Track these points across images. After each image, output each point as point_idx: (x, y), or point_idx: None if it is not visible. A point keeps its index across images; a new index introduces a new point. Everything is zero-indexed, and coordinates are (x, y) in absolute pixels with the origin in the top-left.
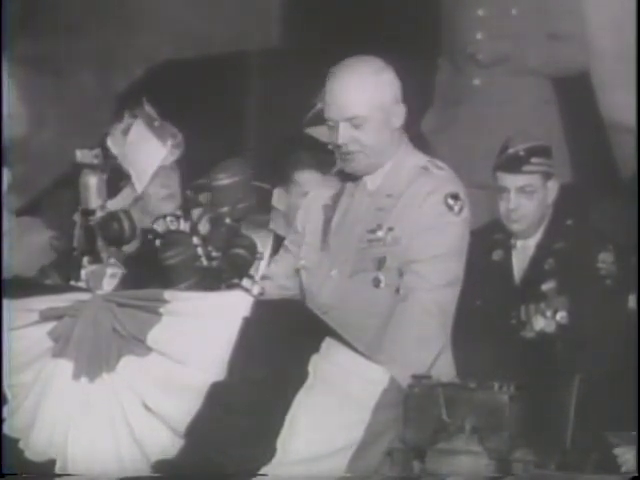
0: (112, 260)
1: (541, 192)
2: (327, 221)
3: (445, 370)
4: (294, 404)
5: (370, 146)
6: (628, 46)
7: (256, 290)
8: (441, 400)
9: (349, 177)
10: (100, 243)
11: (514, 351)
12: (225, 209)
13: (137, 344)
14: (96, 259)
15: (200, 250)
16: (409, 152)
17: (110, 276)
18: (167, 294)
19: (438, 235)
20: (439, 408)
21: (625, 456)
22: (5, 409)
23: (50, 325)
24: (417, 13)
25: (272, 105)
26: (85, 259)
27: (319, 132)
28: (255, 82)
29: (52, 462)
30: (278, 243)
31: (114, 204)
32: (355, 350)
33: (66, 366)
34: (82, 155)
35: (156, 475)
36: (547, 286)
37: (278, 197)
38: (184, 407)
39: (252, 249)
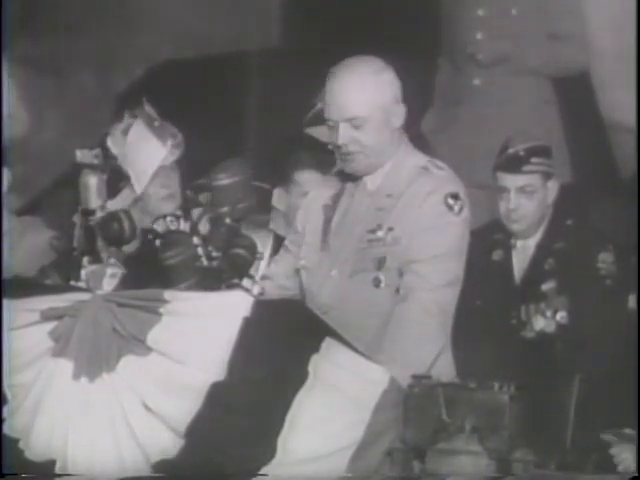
0: (112, 260)
1: (541, 192)
2: (327, 221)
3: (445, 370)
4: (294, 404)
5: (370, 146)
6: (628, 46)
7: (256, 290)
8: (441, 400)
9: (349, 177)
10: (100, 243)
11: (514, 351)
12: (225, 209)
13: (137, 344)
14: (96, 259)
15: (200, 250)
16: (409, 152)
17: (110, 276)
18: (167, 294)
19: (438, 235)
20: (439, 408)
21: (622, 455)
22: (5, 409)
23: (50, 325)
24: (417, 13)
25: (272, 105)
26: (85, 259)
27: (319, 132)
28: (255, 82)
29: (52, 462)
30: (278, 243)
31: (114, 205)
32: (355, 350)
33: (66, 366)
34: (82, 155)
35: (156, 475)
36: (547, 286)
37: (278, 197)
38: (184, 407)
39: (252, 249)
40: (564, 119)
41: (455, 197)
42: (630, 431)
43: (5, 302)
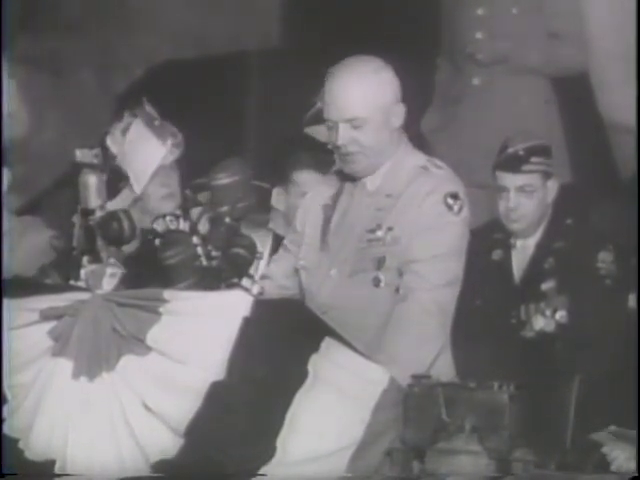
0: (112, 260)
1: (541, 191)
2: (326, 221)
3: (445, 370)
4: (294, 404)
5: (370, 147)
6: (628, 46)
7: (256, 290)
8: (441, 400)
9: (348, 177)
10: (100, 243)
11: (514, 351)
12: (225, 208)
13: (137, 343)
14: (96, 259)
15: (200, 249)
16: (408, 152)
17: (110, 276)
18: (167, 293)
19: (437, 235)
20: (439, 408)
21: (613, 453)
22: (5, 409)
23: (50, 324)
24: (417, 13)
25: (272, 105)
26: (85, 259)
27: (318, 131)
28: (255, 82)
29: (52, 462)
30: (277, 243)
31: (114, 205)
32: (355, 350)
33: (66, 365)
34: (82, 155)
35: (156, 475)
36: (547, 285)
37: (277, 197)
38: (184, 407)
39: (252, 248)
40: (564, 119)
41: (454, 197)
42: (617, 429)
43: (5, 302)
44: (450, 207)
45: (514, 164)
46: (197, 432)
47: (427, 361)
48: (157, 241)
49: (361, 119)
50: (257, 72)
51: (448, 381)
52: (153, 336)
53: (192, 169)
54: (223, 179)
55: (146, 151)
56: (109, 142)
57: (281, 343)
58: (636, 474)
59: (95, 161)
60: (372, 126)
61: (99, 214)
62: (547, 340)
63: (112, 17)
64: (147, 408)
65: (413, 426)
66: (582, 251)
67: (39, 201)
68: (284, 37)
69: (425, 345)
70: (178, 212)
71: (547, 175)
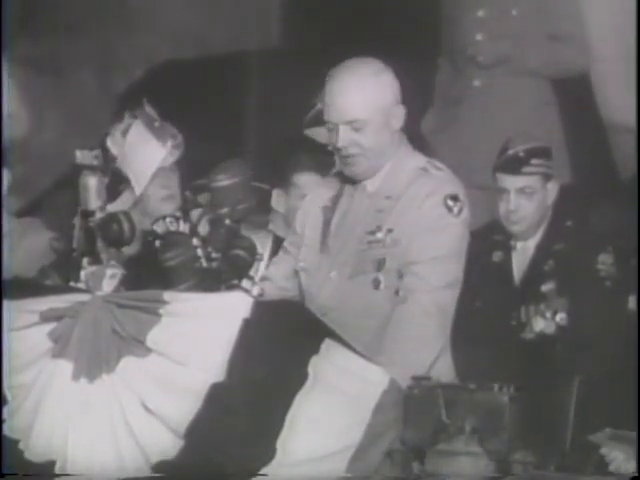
0: (112, 261)
1: (541, 193)
2: (326, 223)
3: (445, 371)
4: (294, 405)
5: (370, 148)
6: (628, 47)
7: (256, 291)
8: (441, 401)
9: (348, 179)
10: (100, 244)
11: (514, 352)
12: (225, 210)
13: (137, 345)
14: (96, 260)
15: (200, 251)
16: (408, 153)
17: (110, 277)
18: (167, 295)
19: (437, 236)
20: (439, 409)
21: (612, 454)
22: (5, 410)
23: (50, 326)
24: (417, 13)
25: (272, 106)
26: (85, 260)
27: (318, 133)
28: (255, 82)
29: (52, 463)
30: (277, 244)
31: (114, 208)
32: (355, 351)
33: (66, 367)
34: (82, 156)
35: (156, 475)
36: (547, 287)
37: (277, 198)
38: (184, 408)
39: (252, 250)
40: (564, 120)
41: (454, 198)
42: (614, 431)
43: (5, 303)
44: (450, 209)
45: (514, 166)
46: (197, 433)
47: (427, 362)
48: (157, 243)
49: (361, 121)
50: (257, 72)
51: (448, 382)
52: (153, 337)
53: (192, 170)
54: (223, 181)
55: (146, 152)
56: (109, 143)
57: (281, 345)
58: (636, 475)
59: (95, 162)
60: (372, 128)
61: (99, 215)
62: (547, 342)
63: (112, 17)
64: (147, 409)
65: (413, 427)
66: (582, 253)
67: (39, 202)
68: (284, 37)
69: (425, 347)
70: (178, 214)
71: (547, 177)
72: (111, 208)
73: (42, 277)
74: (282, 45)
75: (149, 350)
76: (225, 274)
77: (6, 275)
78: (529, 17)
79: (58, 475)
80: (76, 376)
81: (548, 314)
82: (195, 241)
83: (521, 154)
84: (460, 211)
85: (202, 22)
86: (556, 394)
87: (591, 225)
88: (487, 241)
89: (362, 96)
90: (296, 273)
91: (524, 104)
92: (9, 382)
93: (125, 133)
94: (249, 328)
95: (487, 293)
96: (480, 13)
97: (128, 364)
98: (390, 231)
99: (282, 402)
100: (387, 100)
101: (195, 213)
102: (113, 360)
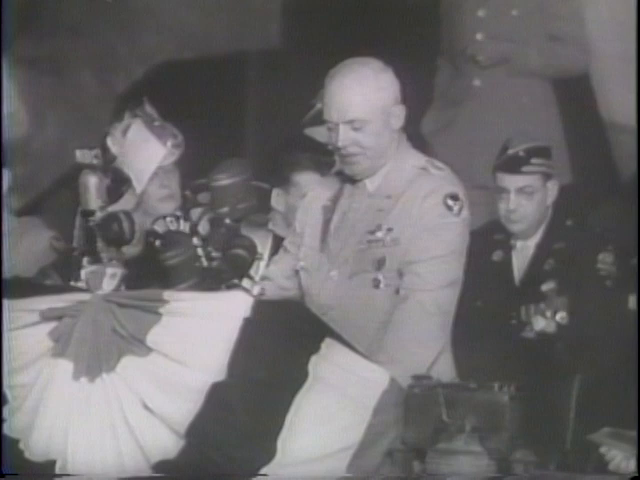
0: (112, 261)
1: (541, 193)
2: (326, 222)
3: (445, 370)
4: (294, 404)
5: (370, 148)
6: (628, 47)
7: (256, 290)
8: (441, 400)
9: (348, 178)
10: (100, 244)
11: (514, 352)
12: (225, 209)
13: (137, 344)
14: (96, 259)
15: (200, 250)
16: (408, 153)
17: (110, 276)
18: (167, 294)
19: (438, 236)
20: (439, 408)
21: (611, 453)
22: (5, 410)
23: (50, 325)
24: (417, 14)
25: (272, 105)
26: (85, 259)
27: (318, 132)
28: (255, 82)
29: (52, 463)
30: (277, 244)
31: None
32: (355, 351)
33: (66, 366)
34: (82, 155)
35: (156, 475)
36: (547, 286)
37: (277, 198)
38: (184, 407)
39: (252, 249)
40: (564, 120)
41: (454, 198)
42: (612, 430)
43: (5, 302)
44: (450, 208)
45: (514, 165)
46: (198, 433)
47: (427, 362)
48: (157, 242)
49: (361, 121)
50: (257, 72)
51: (449, 382)
52: (153, 337)
53: (192, 170)
54: (223, 180)
55: (146, 152)
56: (109, 143)
57: (281, 344)
58: (636, 474)
59: (95, 162)
60: (372, 128)
61: (99, 215)
62: (547, 341)
63: (112, 17)
64: (147, 409)
65: (414, 427)
66: (582, 252)
67: (39, 202)
68: (284, 37)
69: (425, 346)
70: (178, 213)
71: (547, 176)
72: (113, 209)
73: (42, 276)
74: (282, 45)
75: (149, 349)
76: (225, 273)
77: (6, 275)
78: (529, 17)
79: (58, 475)
80: (76, 376)
81: (548, 313)
82: (195, 240)
83: (521, 154)
84: (460, 210)
85: (202, 22)
86: (556, 393)
87: (591, 225)
88: (487, 241)
89: (362, 96)
90: (296, 272)
91: (524, 104)
92: (9, 382)
93: (125, 132)
94: (249, 327)
95: (487, 292)
96: (480, 13)
97: (128, 363)
98: (390, 230)
99: (282, 402)
100: (387, 100)
101: (195, 212)
102: (113, 359)
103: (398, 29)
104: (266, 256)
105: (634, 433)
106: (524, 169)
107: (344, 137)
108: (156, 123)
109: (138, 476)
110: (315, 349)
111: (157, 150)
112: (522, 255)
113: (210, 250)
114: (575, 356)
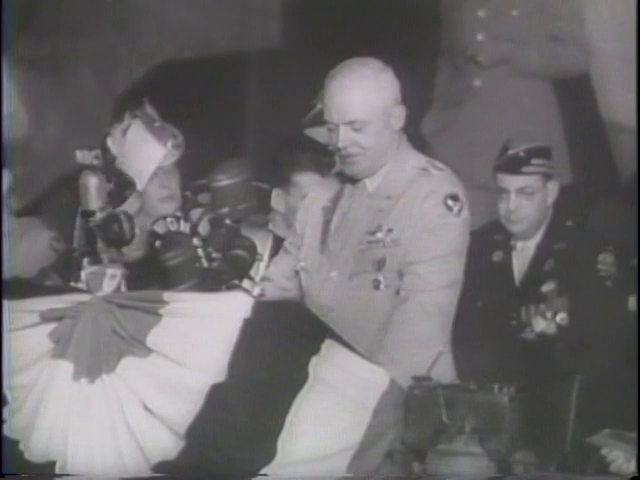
0: (112, 262)
1: (541, 193)
2: (326, 223)
3: (445, 371)
4: (294, 405)
5: (370, 148)
6: (628, 47)
7: (256, 291)
8: (441, 401)
9: (348, 178)
10: (100, 244)
11: (514, 352)
12: (225, 210)
13: (137, 345)
14: (96, 260)
15: (200, 251)
16: (408, 153)
17: (110, 277)
18: (167, 295)
19: (438, 236)
20: (439, 409)
21: (612, 454)
22: (5, 410)
23: (50, 326)
24: (417, 14)
25: (272, 105)
26: (85, 260)
27: (318, 133)
28: (255, 82)
29: (52, 463)
30: (278, 244)
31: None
32: (355, 351)
33: (66, 367)
34: (82, 156)
35: (156, 476)
36: (547, 287)
37: (277, 198)
38: (184, 408)
39: (252, 250)
40: (564, 120)
41: (454, 198)
42: (613, 431)
43: (5, 303)
44: (450, 208)
45: (514, 166)
46: (198, 433)
47: (427, 363)
48: (157, 243)
49: (362, 121)
50: (257, 72)
51: (448, 383)
52: (153, 338)
53: (192, 170)
54: (223, 180)
55: (146, 152)
56: (109, 143)
57: (282, 345)
58: (636, 475)
59: (95, 162)
60: (373, 128)
61: (99, 216)
62: (547, 342)
63: (112, 17)
64: (147, 410)
65: (413, 428)
66: (582, 253)
67: (39, 202)
68: (284, 37)
69: (425, 347)
70: (178, 214)
71: (547, 177)
72: None
73: (42, 277)
74: (282, 45)
75: (149, 350)
76: (225, 274)
77: (6, 275)
78: (529, 17)
79: (58, 475)
80: (76, 376)
81: (548, 314)
82: (195, 241)
83: (521, 154)
84: (460, 211)
85: (202, 22)
86: (556, 394)
87: (591, 225)
88: (487, 241)
89: (362, 96)
90: (296, 273)
91: (524, 104)
92: (9, 382)
93: (125, 133)
94: (250, 328)
95: (487, 293)
96: (480, 13)
97: (128, 364)
98: (390, 231)
99: (282, 402)
100: (387, 100)
101: (195, 213)
102: (113, 360)
103: (398, 29)
104: (266, 257)
105: (634, 435)
106: (524, 169)
107: (344, 138)
108: (156, 124)
109: (138, 477)
110: (315, 350)
111: (157, 151)
112: (522, 256)
113: (210, 251)
114: (575, 357)
